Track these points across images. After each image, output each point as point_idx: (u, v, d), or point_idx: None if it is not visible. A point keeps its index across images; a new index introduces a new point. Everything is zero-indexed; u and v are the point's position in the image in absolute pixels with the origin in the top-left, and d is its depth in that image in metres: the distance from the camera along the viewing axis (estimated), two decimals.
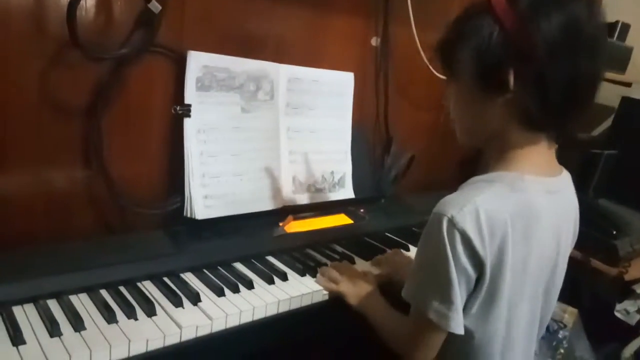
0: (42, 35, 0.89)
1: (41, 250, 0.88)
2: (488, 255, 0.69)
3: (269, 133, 1.21)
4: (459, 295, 0.70)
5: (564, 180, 0.79)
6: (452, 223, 0.68)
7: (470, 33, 0.69)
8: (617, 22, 1.82)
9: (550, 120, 0.71)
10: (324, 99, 1.33)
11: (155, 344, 0.77)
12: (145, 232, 1.03)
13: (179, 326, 0.80)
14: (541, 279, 0.76)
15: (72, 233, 0.99)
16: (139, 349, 0.75)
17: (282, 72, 1.23)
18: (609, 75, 1.68)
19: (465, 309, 0.73)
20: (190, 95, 1.06)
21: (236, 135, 1.14)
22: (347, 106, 1.39)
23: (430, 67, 1.45)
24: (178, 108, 1.04)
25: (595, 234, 1.39)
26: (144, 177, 1.06)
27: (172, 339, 0.79)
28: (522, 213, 0.71)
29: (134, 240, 0.99)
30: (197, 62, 1.06)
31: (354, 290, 0.95)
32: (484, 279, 0.70)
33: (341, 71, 1.36)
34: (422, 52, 1.42)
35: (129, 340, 0.74)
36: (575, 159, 1.77)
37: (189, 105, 1.06)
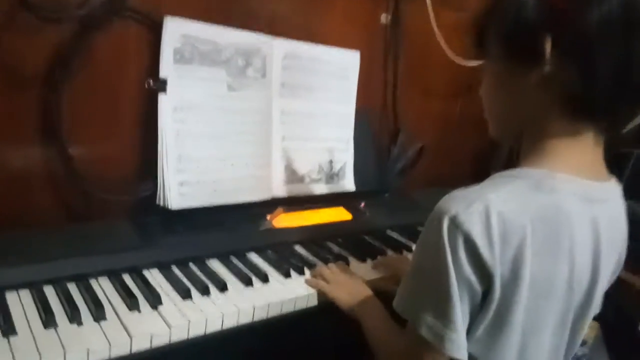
0: None
1: None
2: (498, 266, 0.55)
3: (259, 115, 1.08)
4: (459, 311, 0.56)
5: (612, 190, 0.64)
6: (454, 223, 0.55)
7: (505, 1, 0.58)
8: None
9: (599, 105, 0.56)
10: (325, 80, 1.19)
11: (98, 356, 0.65)
12: (110, 221, 0.91)
13: (129, 335, 0.68)
14: (571, 306, 0.61)
15: (30, 219, 0.88)
16: None
17: (277, 47, 1.09)
18: None
19: (469, 330, 0.59)
20: (167, 68, 0.93)
21: (220, 115, 1.01)
22: (351, 89, 1.25)
23: (446, 49, 1.30)
24: (152, 82, 0.92)
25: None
26: (112, 159, 0.95)
27: (120, 349, 0.67)
28: (548, 219, 0.57)
29: (95, 229, 0.88)
30: (175, 30, 0.93)
31: (348, 293, 0.83)
32: (492, 296, 0.57)
33: (345, 49, 1.22)
34: (437, 32, 1.27)
35: (65, 351, 0.62)
36: (626, 164, 1.59)
37: (165, 80, 0.93)
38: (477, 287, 0.56)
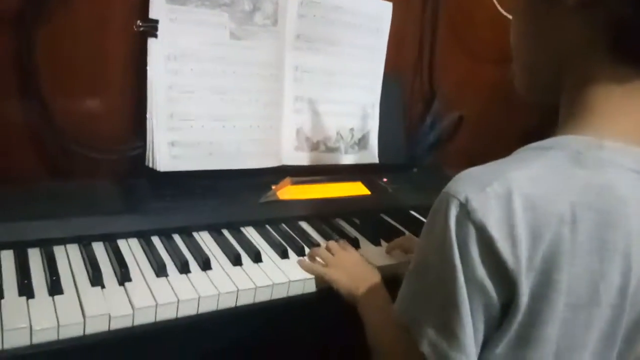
0: None
1: None
2: (523, 269, 0.41)
3: (268, 70, 0.94)
4: (469, 326, 0.43)
5: None
6: (465, 210, 0.41)
7: None
8: None
9: None
10: (349, 33, 1.03)
11: (45, 335, 0.55)
12: (92, 182, 0.81)
13: (83, 314, 0.58)
14: (621, 320, 0.45)
15: (9, 175, 0.79)
16: (15, 343, 0.54)
17: None
18: None
19: (487, 346, 0.45)
20: (158, 7, 0.81)
21: (221, 67, 0.88)
22: (381, 46, 1.09)
23: (496, 2, 1.11)
24: (140, 24, 0.80)
25: None
26: (97, 112, 0.84)
27: (71, 330, 0.57)
28: (594, 204, 0.41)
29: (71, 190, 0.78)
30: None
31: (349, 276, 0.71)
32: (516, 306, 0.42)
33: None
34: None
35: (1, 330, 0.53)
36: None
37: (156, 22, 0.81)
38: (494, 294, 0.42)
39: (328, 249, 0.79)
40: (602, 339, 0.46)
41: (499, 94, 1.31)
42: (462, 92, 1.23)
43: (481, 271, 0.41)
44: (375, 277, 0.71)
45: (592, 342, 0.45)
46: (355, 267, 0.74)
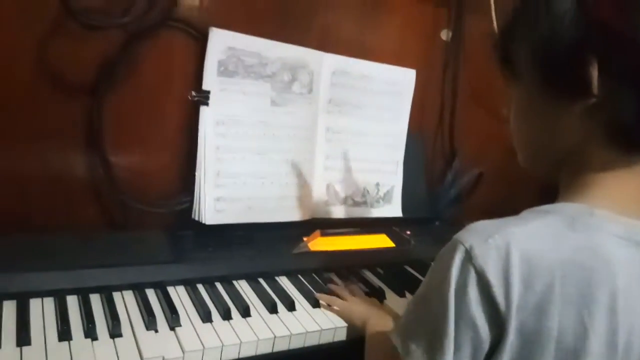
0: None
1: (14, 241, 0.78)
2: (514, 313, 0.47)
3: (304, 132, 1.04)
4: (451, 351, 0.49)
5: None
6: (469, 257, 0.47)
7: (536, 9, 0.50)
8: None
9: None
10: (376, 98, 1.13)
11: None
12: (143, 233, 0.90)
13: (141, 356, 0.65)
14: None
15: (70, 223, 0.89)
16: None
17: (326, 63, 1.05)
18: None
19: None
20: (210, 80, 0.92)
21: (262, 130, 0.98)
22: (405, 109, 1.18)
23: None
24: (194, 94, 0.91)
25: None
26: (151, 170, 0.94)
27: None
28: (582, 264, 0.47)
29: (126, 240, 0.87)
30: (221, 42, 0.91)
31: (363, 310, 0.80)
32: (503, 347, 0.48)
33: (400, 67, 1.16)
34: None
35: None
36: None
37: (208, 92, 0.92)
38: (485, 333, 0.48)
39: (349, 290, 0.87)
40: None
41: (515, 153, 1.38)
42: (482, 151, 1.31)
43: (475, 309, 0.47)
44: (384, 316, 0.78)
45: None
46: (368, 303, 0.83)
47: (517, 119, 0.57)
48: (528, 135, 0.56)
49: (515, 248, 0.47)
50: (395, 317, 0.82)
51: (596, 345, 0.48)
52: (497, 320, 0.47)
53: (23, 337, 0.64)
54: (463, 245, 0.48)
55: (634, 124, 0.47)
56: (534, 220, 0.50)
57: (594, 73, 0.46)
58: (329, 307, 0.83)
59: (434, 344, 0.50)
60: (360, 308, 0.81)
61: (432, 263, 0.54)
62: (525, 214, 0.52)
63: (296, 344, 0.76)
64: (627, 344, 0.49)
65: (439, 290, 0.49)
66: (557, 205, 0.52)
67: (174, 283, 0.82)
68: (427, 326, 0.51)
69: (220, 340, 0.71)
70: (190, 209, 0.94)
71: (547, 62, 0.50)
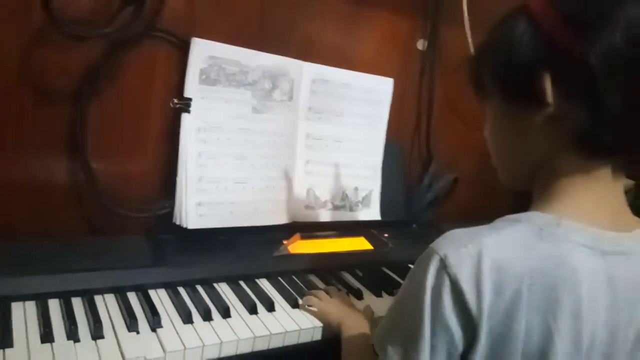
0: (24, 8, 0.80)
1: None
2: (485, 318, 0.50)
3: (284, 138, 1.07)
4: (427, 354, 0.52)
5: (636, 240, 0.56)
6: (443, 265, 0.50)
7: (500, 36, 0.55)
8: None
9: (612, 140, 0.51)
10: (355, 106, 1.17)
11: None
12: (125, 237, 0.92)
13: (123, 357, 0.67)
14: None
15: (50, 229, 0.90)
16: None
17: (306, 71, 1.08)
18: None
19: None
20: (192, 88, 0.94)
21: (243, 137, 1.01)
22: (382, 116, 1.22)
23: None
24: (176, 101, 0.93)
25: None
26: (133, 175, 0.96)
27: None
28: (548, 272, 0.51)
29: (108, 245, 0.89)
30: (203, 51, 0.94)
31: (338, 310, 0.83)
32: (475, 350, 0.51)
33: (378, 76, 1.19)
34: None
35: None
36: None
37: (189, 100, 0.94)
38: (458, 335, 0.51)
39: (326, 291, 0.90)
40: None
41: (489, 157, 1.43)
42: (457, 157, 1.35)
43: (449, 314, 0.50)
44: (358, 315, 0.82)
45: None
46: (344, 303, 0.86)
47: (492, 138, 0.61)
48: (503, 152, 0.60)
49: (486, 257, 0.50)
50: (370, 315, 0.85)
51: (561, 347, 0.51)
52: (470, 325, 0.50)
53: (6, 340, 0.65)
54: (438, 254, 0.51)
55: (591, 130, 0.51)
56: (504, 230, 0.53)
57: (547, 85, 0.50)
58: (306, 308, 0.86)
59: (411, 347, 0.52)
60: (335, 309, 0.84)
61: (410, 270, 0.57)
62: (497, 222, 0.55)
63: (276, 343, 0.79)
64: (589, 347, 0.53)
65: (416, 297, 0.52)
66: (527, 215, 0.55)
67: (155, 286, 0.84)
68: (405, 330, 0.54)
69: (201, 340, 0.73)
70: (171, 213, 0.95)
71: (507, 78, 0.54)
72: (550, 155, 0.55)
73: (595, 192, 0.54)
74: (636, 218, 0.59)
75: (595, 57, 0.48)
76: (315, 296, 0.88)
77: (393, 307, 0.59)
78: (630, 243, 0.55)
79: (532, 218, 0.54)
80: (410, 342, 0.53)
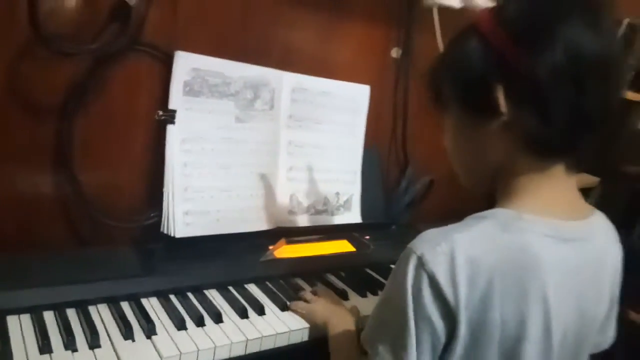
0: (10, 25, 0.81)
1: None
2: (462, 308, 0.55)
3: (267, 146, 1.10)
4: (414, 349, 0.57)
5: (592, 226, 0.63)
6: (421, 262, 0.55)
7: (453, 53, 0.62)
8: None
9: (560, 143, 0.58)
10: (334, 113, 1.21)
11: None
12: (114, 248, 0.94)
13: None
14: (552, 347, 0.59)
15: (38, 243, 0.91)
16: None
17: (286, 81, 1.12)
18: None
19: None
20: (176, 100, 0.96)
21: (227, 146, 1.04)
22: (360, 122, 1.26)
23: None
24: (161, 113, 0.95)
25: (636, 282, 1.19)
26: (119, 187, 0.98)
27: None
28: (515, 261, 0.56)
29: (98, 256, 0.90)
30: (186, 64, 0.96)
31: (324, 309, 0.87)
32: (456, 338, 0.56)
33: (355, 83, 1.24)
34: None
35: None
36: (621, 195, 1.56)
37: (174, 111, 0.96)
38: (440, 326, 0.56)
39: (314, 292, 0.94)
40: None
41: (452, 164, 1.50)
42: (432, 160, 1.40)
43: (430, 307, 0.55)
44: (345, 314, 0.86)
45: None
46: (330, 302, 0.90)
47: (452, 146, 0.66)
48: (463, 158, 0.66)
49: (459, 253, 0.55)
50: (356, 315, 0.89)
51: (533, 330, 0.57)
52: (449, 315, 0.55)
53: (6, 353, 0.66)
54: (415, 253, 0.56)
55: (541, 134, 0.57)
56: (473, 227, 0.58)
57: (500, 96, 0.56)
58: (294, 309, 0.89)
59: (398, 342, 0.57)
60: (321, 307, 0.87)
61: (392, 271, 0.61)
62: (467, 220, 0.60)
63: (267, 345, 0.82)
64: (558, 324, 0.58)
65: (398, 295, 0.57)
66: (492, 211, 0.61)
67: (147, 294, 0.86)
68: (391, 327, 0.59)
69: (196, 345, 0.76)
70: (158, 223, 0.97)
71: (464, 91, 0.60)
72: (508, 158, 0.60)
73: (551, 187, 0.61)
74: (589, 206, 0.66)
75: (540, 72, 0.54)
76: (303, 298, 0.92)
77: (378, 306, 0.63)
78: (587, 229, 0.62)
79: (497, 214, 0.60)
80: (397, 337, 0.57)
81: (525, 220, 0.58)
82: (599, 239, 0.64)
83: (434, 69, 0.64)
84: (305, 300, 0.91)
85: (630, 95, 1.46)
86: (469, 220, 0.60)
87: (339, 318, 0.84)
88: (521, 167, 0.60)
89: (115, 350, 0.72)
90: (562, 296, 0.58)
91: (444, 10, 1.21)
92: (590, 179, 1.62)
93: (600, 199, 1.57)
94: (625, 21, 1.53)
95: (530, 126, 0.56)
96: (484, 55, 0.57)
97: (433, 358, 0.57)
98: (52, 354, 0.68)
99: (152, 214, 0.98)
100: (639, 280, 1.22)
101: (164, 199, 0.96)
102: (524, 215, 0.58)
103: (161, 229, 0.97)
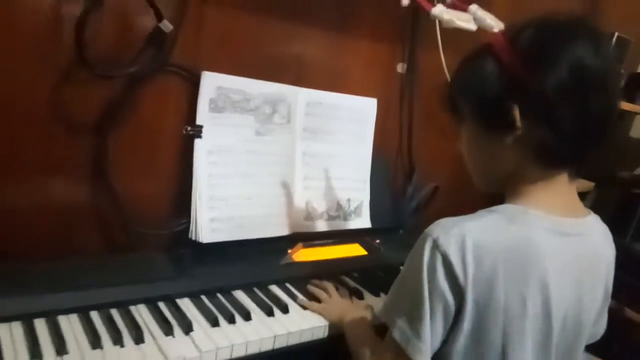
0: (55, 50, 0.89)
1: (38, 266, 0.87)
2: (470, 286, 0.63)
3: (284, 157, 1.18)
4: (428, 322, 0.64)
5: (589, 225, 0.72)
6: (436, 244, 0.64)
7: (470, 74, 0.69)
8: None
9: (567, 154, 0.66)
10: (344, 125, 1.29)
11: None
12: (147, 253, 1.01)
13: (166, 357, 0.76)
14: (551, 330, 0.67)
15: (76, 249, 0.98)
16: None
17: (301, 96, 1.20)
18: None
19: (450, 342, 0.66)
20: (203, 116, 1.04)
21: (249, 158, 1.11)
22: (369, 133, 1.34)
23: None
24: (189, 128, 1.03)
25: (630, 281, 1.27)
26: (151, 196, 1.05)
27: None
28: (518, 249, 0.64)
29: (134, 261, 0.97)
30: (211, 83, 1.04)
31: (339, 308, 0.94)
32: (464, 311, 0.64)
33: (364, 97, 1.32)
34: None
35: None
36: (614, 199, 1.64)
37: (201, 126, 1.04)
38: (451, 301, 0.64)
39: (324, 288, 1.00)
40: (538, 343, 0.67)
41: (465, 166, 1.58)
42: (437, 166, 1.49)
43: (443, 284, 0.63)
44: (358, 309, 0.93)
45: (530, 346, 0.66)
46: (344, 302, 0.97)
47: (467, 153, 0.74)
48: (477, 164, 0.74)
49: (469, 237, 0.63)
50: (369, 309, 0.96)
51: (532, 310, 0.65)
52: (459, 291, 0.63)
53: (61, 347, 0.73)
54: (431, 236, 0.64)
55: (551, 145, 0.65)
56: (483, 217, 0.66)
57: (516, 113, 0.64)
58: (312, 308, 0.96)
59: (414, 314, 0.65)
60: (336, 305, 0.95)
61: (410, 252, 0.69)
62: (478, 212, 0.68)
63: (293, 340, 0.89)
64: (557, 308, 0.66)
65: (415, 272, 0.65)
66: (501, 206, 0.69)
67: (181, 295, 0.93)
68: (407, 301, 0.67)
69: (230, 340, 0.83)
70: (187, 230, 1.05)
71: (482, 110, 0.68)
72: (518, 166, 0.68)
73: (554, 192, 0.69)
74: (587, 209, 0.75)
75: (549, 88, 0.62)
76: (317, 295, 0.98)
77: (396, 284, 0.71)
78: (585, 226, 0.70)
79: (505, 208, 0.68)
80: (413, 310, 0.65)
81: (531, 215, 0.66)
82: (595, 236, 0.72)
83: (450, 86, 0.72)
84: (318, 299, 0.98)
85: (622, 104, 1.55)
86: (480, 212, 0.68)
87: (354, 312, 0.91)
88: (529, 175, 0.68)
89: (158, 345, 0.79)
90: (562, 282, 0.66)
91: (446, 28, 1.29)
92: (586, 184, 1.70)
93: (595, 202, 1.66)
94: (615, 35, 1.63)
95: (542, 138, 0.64)
96: (499, 76, 0.65)
97: (444, 329, 0.65)
98: (103, 350, 0.76)
99: (181, 222, 1.05)
100: (633, 279, 1.31)
101: (191, 207, 1.04)
102: (530, 210, 0.66)
103: (189, 235, 1.04)
